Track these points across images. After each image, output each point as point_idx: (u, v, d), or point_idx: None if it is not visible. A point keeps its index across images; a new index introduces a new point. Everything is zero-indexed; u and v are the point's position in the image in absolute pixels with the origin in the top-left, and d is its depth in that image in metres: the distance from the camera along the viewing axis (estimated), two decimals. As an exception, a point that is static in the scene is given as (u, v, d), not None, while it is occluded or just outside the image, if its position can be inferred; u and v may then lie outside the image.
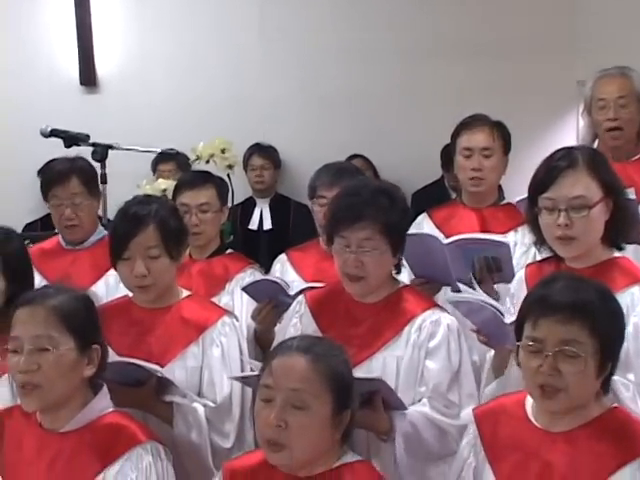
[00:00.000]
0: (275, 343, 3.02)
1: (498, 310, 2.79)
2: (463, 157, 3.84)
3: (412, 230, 3.76)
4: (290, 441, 2.29)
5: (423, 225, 3.92)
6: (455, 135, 3.89)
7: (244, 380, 2.82)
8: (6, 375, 2.86)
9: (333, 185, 3.49)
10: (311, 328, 2.96)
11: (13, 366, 2.45)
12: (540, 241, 2.90)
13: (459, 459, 2.50)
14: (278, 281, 3.47)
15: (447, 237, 3.51)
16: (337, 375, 2.34)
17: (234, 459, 2.59)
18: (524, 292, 2.89)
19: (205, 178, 3.94)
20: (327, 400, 2.31)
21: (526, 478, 2.30)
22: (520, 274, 3.06)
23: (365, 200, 2.87)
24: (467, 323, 2.96)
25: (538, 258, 3.10)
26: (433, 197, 5.24)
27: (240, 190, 5.35)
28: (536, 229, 2.88)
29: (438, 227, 3.87)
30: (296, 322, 3.03)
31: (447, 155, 5.74)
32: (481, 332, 2.88)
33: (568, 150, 2.87)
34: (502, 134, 3.86)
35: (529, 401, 2.36)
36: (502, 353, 2.84)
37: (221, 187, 3.97)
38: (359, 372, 2.66)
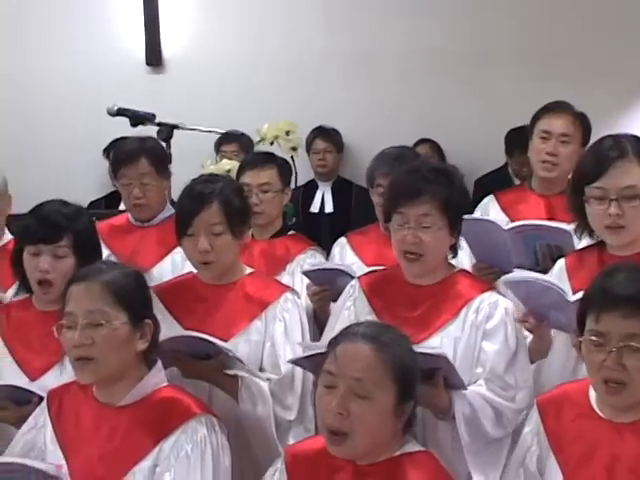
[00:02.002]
0: (328, 326, 3.09)
1: (561, 289, 2.76)
2: (540, 139, 3.78)
3: (477, 212, 3.79)
4: (352, 429, 2.28)
5: (489, 207, 3.89)
6: (536, 118, 3.84)
7: (304, 362, 2.83)
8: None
9: (391, 174, 3.48)
10: (365, 311, 2.97)
11: (68, 341, 2.51)
12: (581, 229, 2.90)
13: (522, 446, 2.49)
14: (340, 268, 3.48)
15: (512, 221, 3.48)
16: (402, 365, 2.33)
17: (297, 443, 2.62)
18: (565, 281, 2.92)
19: (267, 159, 3.96)
20: (390, 390, 2.31)
21: (593, 470, 2.28)
22: (560, 263, 3.05)
23: (423, 176, 2.88)
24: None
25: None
26: (496, 184, 5.19)
27: (302, 173, 5.36)
28: (579, 217, 2.89)
29: (504, 210, 3.84)
30: (350, 305, 3.04)
31: (511, 140, 5.74)
32: (537, 316, 2.84)
33: (615, 139, 2.87)
34: (583, 125, 3.81)
35: (593, 390, 2.34)
36: (545, 337, 2.84)
37: (283, 168, 3.98)
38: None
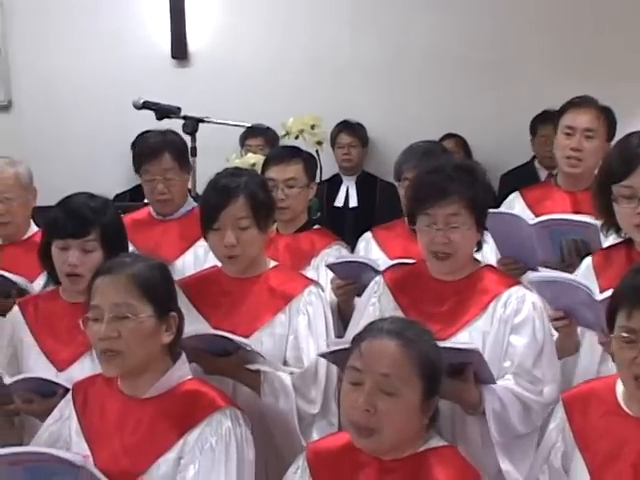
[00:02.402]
0: (353, 322, 3.10)
1: (588, 289, 2.74)
2: (564, 135, 3.75)
3: (501, 209, 3.76)
4: (379, 426, 2.28)
5: (514, 204, 3.86)
6: (560, 113, 3.81)
7: (331, 356, 2.83)
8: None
9: (420, 168, 3.46)
10: (391, 307, 2.96)
11: (94, 334, 2.51)
12: (608, 226, 2.88)
13: (547, 442, 2.47)
14: (365, 261, 3.47)
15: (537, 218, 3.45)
16: (427, 361, 2.33)
17: (319, 440, 2.61)
18: (593, 280, 2.90)
19: (293, 153, 3.95)
20: (417, 386, 2.30)
21: (619, 467, 2.26)
22: (587, 262, 3.03)
23: (449, 176, 2.86)
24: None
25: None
26: (521, 180, 5.17)
27: (327, 167, 5.36)
28: (606, 215, 2.87)
29: (529, 207, 3.81)
30: (375, 302, 3.04)
31: (534, 120, 5.74)
32: (565, 315, 2.83)
33: None
34: (608, 119, 3.77)
35: (620, 387, 2.32)
36: (571, 336, 2.83)
37: (309, 162, 3.97)
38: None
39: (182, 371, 2.59)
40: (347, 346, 2.47)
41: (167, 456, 2.47)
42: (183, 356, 2.61)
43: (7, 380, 2.85)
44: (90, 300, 2.54)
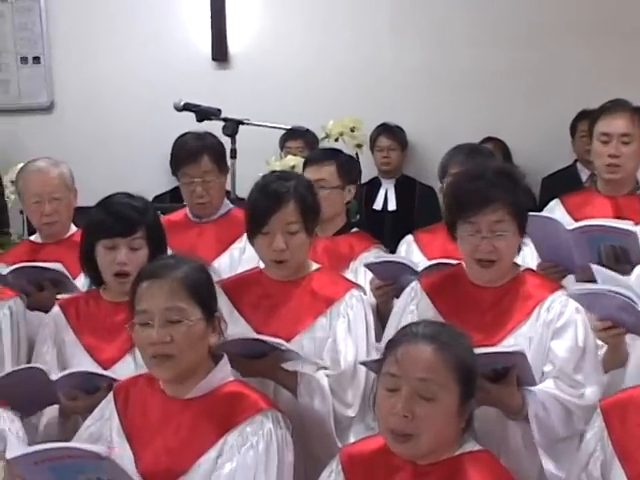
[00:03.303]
0: (389, 329, 3.06)
1: (629, 297, 2.69)
2: (600, 142, 3.71)
3: (540, 213, 3.72)
4: (417, 432, 2.26)
5: (555, 211, 3.82)
6: (594, 119, 3.77)
7: (373, 365, 2.81)
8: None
9: (466, 165, 3.44)
10: (430, 314, 2.93)
11: (144, 338, 2.51)
12: None
13: (584, 452, 2.44)
14: (404, 261, 3.45)
15: (577, 224, 3.43)
16: (463, 364, 2.31)
17: (353, 444, 2.60)
18: None
19: (327, 155, 3.94)
20: (454, 390, 2.28)
21: None
22: (637, 270, 2.98)
23: (491, 182, 2.83)
24: None
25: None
26: (563, 183, 5.13)
27: (366, 170, 5.34)
28: None
29: (570, 214, 3.76)
30: (413, 309, 3.02)
31: (574, 120, 5.69)
32: (614, 324, 2.78)
33: None
34: None
35: None
36: (619, 347, 2.79)
37: (345, 165, 3.94)
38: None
39: (224, 372, 2.60)
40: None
41: (207, 455, 2.48)
42: (225, 358, 2.62)
43: (54, 376, 2.87)
44: (135, 304, 2.54)
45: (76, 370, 2.95)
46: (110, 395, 2.68)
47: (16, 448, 2.38)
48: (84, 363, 3.02)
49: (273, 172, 3.29)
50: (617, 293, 2.71)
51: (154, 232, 3.10)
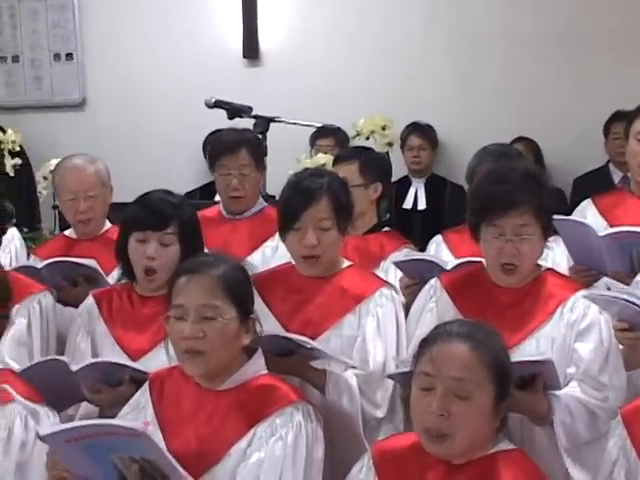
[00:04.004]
0: (408, 329, 3.05)
1: None
2: (636, 141, 3.65)
3: (574, 216, 3.69)
4: (452, 430, 2.26)
5: (587, 212, 3.78)
6: (631, 119, 3.71)
7: (397, 377, 2.81)
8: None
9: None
10: (450, 313, 2.92)
11: (177, 332, 2.52)
12: None
13: (607, 461, 2.44)
14: (433, 260, 3.43)
15: (611, 226, 3.40)
16: (499, 363, 2.30)
17: (384, 440, 2.59)
18: None
19: (352, 153, 3.94)
20: (489, 389, 2.27)
21: None
22: None
23: (517, 185, 2.81)
24: None
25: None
26: (595, 184, 5.09)
27: (396, 168, 5.33)
28: None
29: (602, 215, 3.72)
30: (432, 307, 3.01)
31: (608, 124, 5.65)
32: (630, 327, 2.74)
33: None
34: None
35: None
36: (638, 348, 2.74)
37: (369, 162, 3.90)
38: (515, 356, 2.60)
39: (257, 366, 2.61)
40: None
41: (238, 446, 2.49)
42: (259, 351, 2.63)
43: (74, 367, 2.88)
44: (172, 298, 2.56)
45: (97, 360, 2.96)
46: (146, 385, 2.70)
47: (49, 426, 2.39)
48: (114, 354, 3.04)
49: (306, 169, 3.29)
50: (632, 303, 2.67)
51: (187, 229, 3.10)
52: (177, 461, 2.36)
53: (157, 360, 3.00)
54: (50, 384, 2.74)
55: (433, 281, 3.05)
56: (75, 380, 2.88)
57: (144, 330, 3.06)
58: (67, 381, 2.86)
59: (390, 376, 2.85)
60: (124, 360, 2.97)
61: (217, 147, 4.04)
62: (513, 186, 2.80)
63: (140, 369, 2.91)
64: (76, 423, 2.37)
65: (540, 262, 2.95)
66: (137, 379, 2.90)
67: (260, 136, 4.47)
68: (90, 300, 3.22)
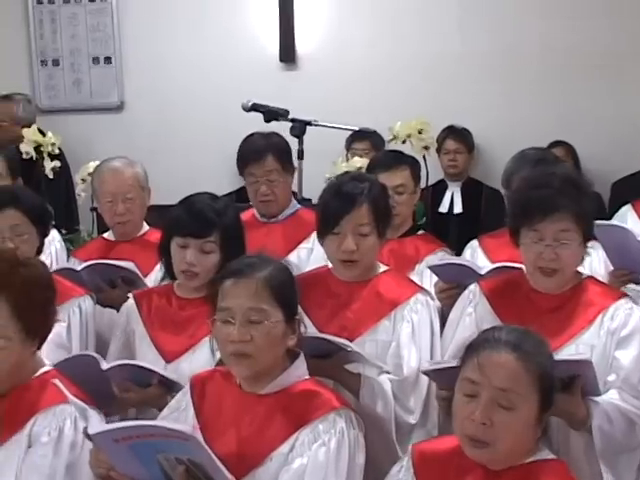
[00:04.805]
0: (447, 332, 3.07)
1: None
2: None
3: (613, 221, 3.67)
4: (494, 439, 2.25)
5: (626, 217, 3.77)
6: None
7: (431, 374, 2.81)
8: (204, 341, 3.00)
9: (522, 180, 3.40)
10: (489, 318, 2.92)
11: (225, 336, 2.52)
12: None
13: None
14: (468, 264, 3.43)
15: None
16: (544, 375, 2.29)
17: (425, 442, 2.59)
18: None
19: (400, 159, 3.94)
20: (534, 400, 2.26)
21: None
22: None
23: (557, 190, 2.81)
24: None
25: None
26: (634, 188, 5.04)
27: (432, 172, 5.31)
28: None
29: (644, 220, 3.72)
30: (471, 312, 3.00)
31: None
32: None
33: None
34: None
35: None
36: None
37: (415, 168, 3.96)
38: None
39: (300, 370, 2.61)
40: (454, 365, 2.44)
41: (279, 450, 2.49)
42: (301, 356, 2.63)
43: (104, 365, 2.91)
44: (218, 301, 2.56)
45: (125, 362, 2.99)
46: (187, 387, 2.71)
47: (97, 425, 2.40)
48: (149, 355, 3.08)
49: (347, 173, 3.29)
50: None
51: (229, 236, 3.11)
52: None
53: (189, 363, 3.04)
54: (83, 380, 2.75)
55: (472, 286, 3.05)
56: (106, 378, 2.91)
57: (180, 332, 3.10)
58: (99, 378, 2.88)
59: (425, 372, 2.85)
60: (153, 365, 2.99)
61: (243, 154, 4.05)
62: (553, 191, 2.80)
63: (166, 376, 2.93)
64: (125, 423, 2.37)
65: (578, 268, 2.94)
66: (166, 382, 2.93)
67: (297, 139, 4.49)
68: (130, 301, 3.26)
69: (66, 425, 2.51)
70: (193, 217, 3.09)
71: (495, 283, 3.02)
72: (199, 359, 3.01)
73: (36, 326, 2.52)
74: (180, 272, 3.12)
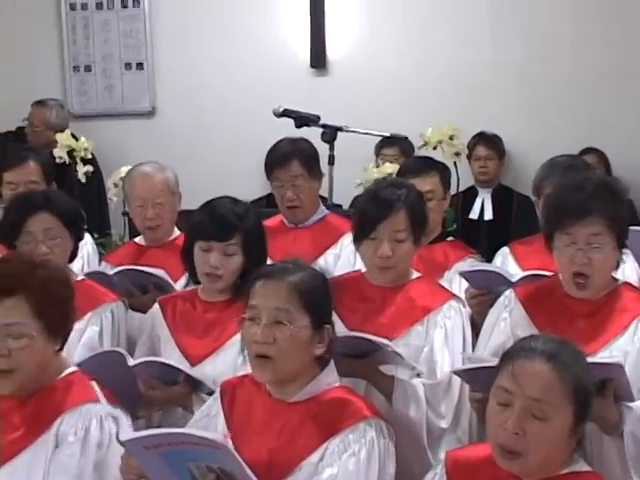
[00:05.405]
0: (482, 338, 3.05)
1: None
2: None
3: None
4: (525, 450, 2.23)
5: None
6: None
7: (463, 374, 2.80)
8: (227, 344, 3.02)
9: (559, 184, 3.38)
10: (524, 323, 2.91)
11: (250, 335, 2.52)
12: None
13: None
14: (499, 271, 3.42)
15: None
16: (580, 386, 2.26)
17: (459, 449, 2.57)
18: None
19: (430, 165, 3.94)
20: (569, 412, 2.24)
21: None
22: None
23: (590, 194, 2.80)
24: None
25: None
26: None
27: (462, 178, 5.31)
28: None
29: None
30: (506, 317, 2.99)
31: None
32: None
33: None
34: None
35: None
36: None
37: (444, 174, 3.96)
38: None
39: (330, 378, 2.60)
40: (488, 364, 2.43)
41: (309, 459, 2.48)
42: (331, 363, 2.62)
43: (131, 362, 2.93)
44: (248, 301, 2.56)
45: (152, 359, 3.01)
46: (217, 392, 2.71)
47: (129, 431, 2.42)
48: (174, 358, 3.08)
49: (384, 179, 3.29)
50: None
51: (251, 239, 3.15)
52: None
53: (212, 366, 3.06)
54: (108, 378, 2.76)
55: (508, 292, 3.05)
56: (132, 375, 2.93)
57: (204, 335, 3.12)
58: (125, 375, 2.90)
59: (456, 373, 2.83)
60: (178, 364, 3.01)
61: (270, 159, 4.07)
62: (587, 195, 2.79)
63: (192, 375, 2.95)
64: (157, 431, 2.38)
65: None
66: (192, 381, 2.95)
67: (327, 145, 4.49)
68: (155, 307, 3.28)
69: (92, 425, 2.53)
70: (215, 221, 3.12)
71: (530, 289, 3.02)
72: (223, 362, 3.04)
73: (57, 324, 2.55)
74: (204, 275, 3.15)
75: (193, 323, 3.17)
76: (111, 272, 3.63)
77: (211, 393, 2.83)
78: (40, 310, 2.50)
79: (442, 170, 3.94)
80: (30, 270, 2.53)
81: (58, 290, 2.56)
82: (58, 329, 2.57)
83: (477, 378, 2.65)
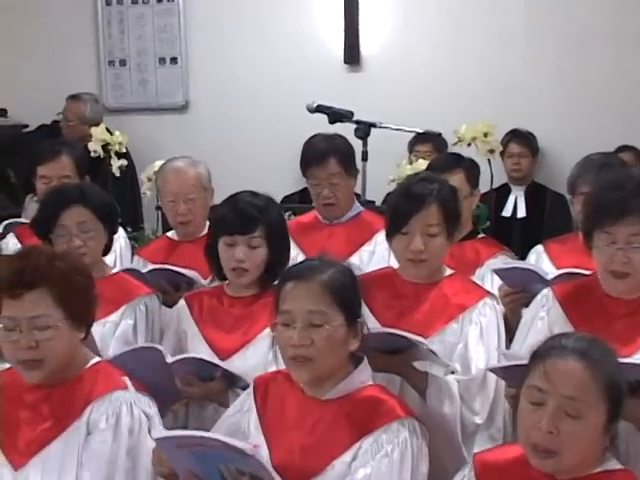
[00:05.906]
0: (519, 336, 3.04)
1: None
2: None
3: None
4: (560, 448, 2.21)
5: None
6: None
7: (501, 372, 2.78)
8: (257, 338, 3.03)
9: (596, 182, 3.36)
10: (561, 322, 2.89)
11: (285, 339, 2.51)
12: None
13: None
14: (533, 268, 3.39)
15: None
16: (613, 383, 2.24)
17: (487, 451, 2.55)
18: None
19: (455, 162, 3.92)
20: (602, 410, 2.22)
21: None
22: None
23: (631, 193, 2.77)
24: None
25: None
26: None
27: (496, 176, 5.28)
28: None
29: None
30: (544, 316, 2.97)
31: None
32: None
33: None
34: None
35: None
36: None
37: (471, 171, 3.93)
38: None
39: (364, 376, 2.59)
40: (521, 362, 2.42)
41: (342, 458, 2.47)
42: (365, 361, 2.61)
43: (169, 359, 2.94)
44: (279, 304, 2.55)
45: (189, 356, 3.03)
46: (250, 388, 2.71)
47: (161, 429, 2.43)
48: (202, 353, 3.10)
49: (416, 174, 3.30)
50: None
51: (274, 231, 3.16)
52: (279, 470, 2.37)
53: (243, 361, 3.07)
54: (146, 373, 2.78)
55: (545, 291, 3.03)
56: (169, 371, 2.94)
57: (233, 330, 3.13)
58: (162, 371, 2.91)
59: (492, 370, 2.83)
60: (216, 360, 3.03)
61: (306, 157, 4.06)
62: (627, 194, 2.77)
63: (230, 370, 2.96)
64: (189, 432, 2.40)
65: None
66: (229, 377, 2.96)
67: (361, 141, 4.48)
68: (181, 302, 3.30)
69: (122, 411, 2.55)
70: (237, 214, 3.14)
71: (568, 288, 2.99)
72: (253, 356, 3.05)
73: (80, 313, 2.58)
74: (230, 270, 3.16)
75: (221, 318, 3.18)
76: (144, 270, 3.65)
77: (245, 387, 2.83)
78: (63, 300, 2.53)
79: (468, 167, 3.91)
80: (49, 262, 2.56)
81: (78, 280, 2.59)
82: (81, 318, 2.60)
83: (513, 375, 2.63)
